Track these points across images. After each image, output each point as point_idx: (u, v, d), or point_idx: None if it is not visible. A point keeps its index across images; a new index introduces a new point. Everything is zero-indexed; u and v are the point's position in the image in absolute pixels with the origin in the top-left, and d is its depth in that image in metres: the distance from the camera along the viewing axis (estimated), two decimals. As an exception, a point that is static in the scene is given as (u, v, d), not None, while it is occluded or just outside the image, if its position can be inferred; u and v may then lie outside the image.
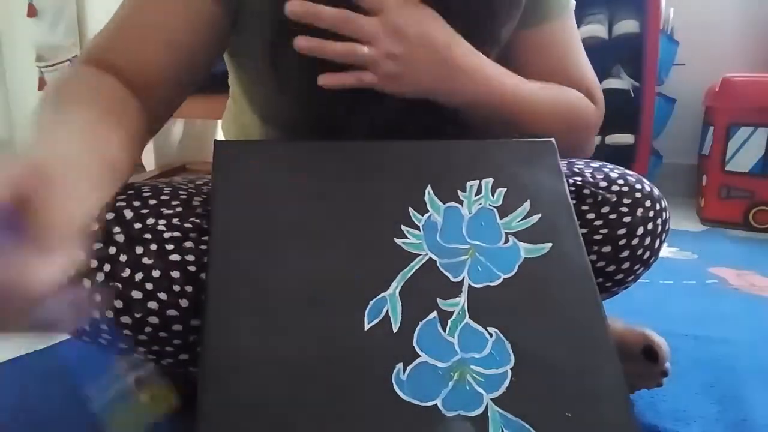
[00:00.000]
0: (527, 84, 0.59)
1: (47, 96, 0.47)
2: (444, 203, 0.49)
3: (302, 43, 0.49)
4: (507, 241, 0.48)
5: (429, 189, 0.49)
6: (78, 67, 0.51)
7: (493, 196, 0.50)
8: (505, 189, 0.50)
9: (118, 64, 0.50)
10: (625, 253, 0.58)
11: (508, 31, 0.61)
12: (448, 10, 0.53)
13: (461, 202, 0.49)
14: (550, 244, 0.47)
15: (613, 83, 1.83)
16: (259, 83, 0.62)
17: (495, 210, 0.49)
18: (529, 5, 0.61)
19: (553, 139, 0.54)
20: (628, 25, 1.84)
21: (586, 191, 0.57)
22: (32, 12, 2.21)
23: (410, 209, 0.48)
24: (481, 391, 0.40)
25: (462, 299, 0.44)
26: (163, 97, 0.54)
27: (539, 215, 0.49)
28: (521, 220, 0.49)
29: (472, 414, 0.39)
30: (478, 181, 0.51)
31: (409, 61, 0.51)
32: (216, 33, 0.54)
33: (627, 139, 1.85)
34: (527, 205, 0.50)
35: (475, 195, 0.50)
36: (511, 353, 0.42)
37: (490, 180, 0.51)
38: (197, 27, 0.53)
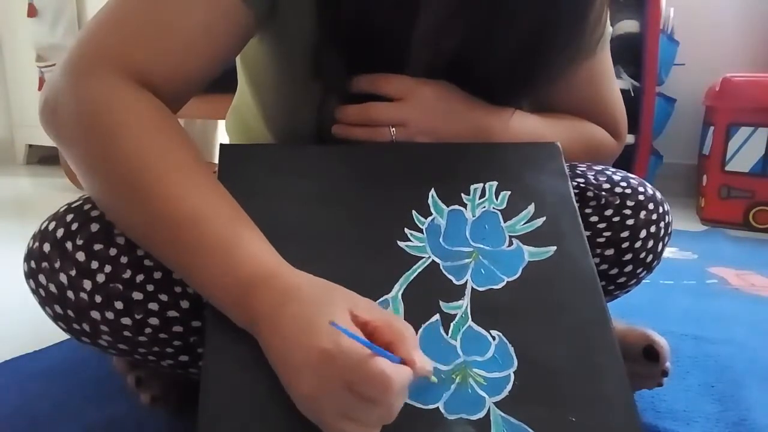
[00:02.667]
0: (547, 129, 0.60)
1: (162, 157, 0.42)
2: (447, 206, 0.49)
3: (337, 130, 0.54)
4: (511, 244, 0.48)
5: (432, 192, 0.49)
6: (125, 87, 0.43)
7: (497, 199, 0.50)
8: (510, 192, 0.50)
9: (156, 81, 0.45)
10: (628, 256, 0.58)
11: (542, 90, 0.61)
12: (468, 85, 0.56)
13: (465, 205, 0.49)
14: (555, 248, 0.47)
15: (613, 83, 1.84)
16: (278, 92, 0.60)
17: (499, 213, 0.49)
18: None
19: (558, 142, 0.54)
20: (628, 25, 1.84)
21: (590, 194, 0.57)
22: (32, 12, 2.21)
23: (413, 212, 0.48)
24: (483, 394, 0.40)
25: (465, 302, 0.44)
26: (183, 101, 0.50)
27: (544, 218, 0.49)
28: (525, 223, 0.49)
29: (474, 417, 0.39)
30: (482, 184, 0.50)
31: (440, 131, 0.54)
32: (245, 38, 0.51)
33: (627, 139, 1.84)
34: (531, 208, 0.49)
35: (479, 198, 0.50)
36: (514, 357, 0.42)
37: (494, 183, 0.51)
38: (231, 30, 0.48)
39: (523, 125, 0.58)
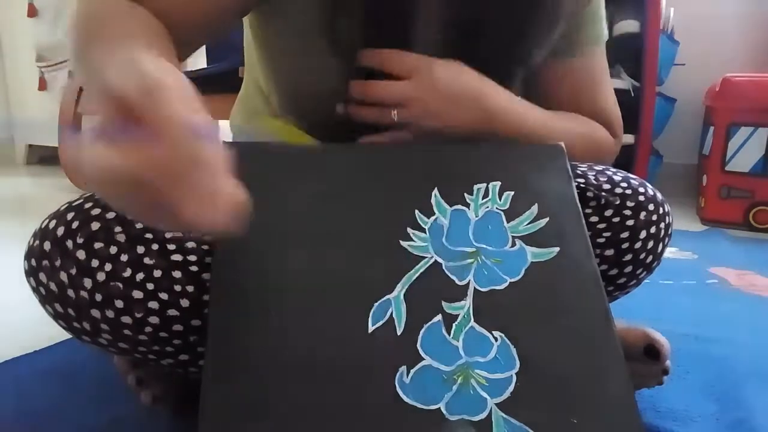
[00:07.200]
0: (553, 120, 0.60)
1: (87, 28, 0.44)
2: (450, 206, 0.49)
3: (341, 109, 0.54)
4: (514, 244, 0.47)
5: (436, 192, 0.49)
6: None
7: (500, 199, 0.50)
8: (513, 192, 0.50)
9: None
10: (628, 257, 0.58)
11: (539, 56, 0.61)
12: (477, 35, 0.55)
13: (468, 205, 0.49)
14: (558, 248, 0.47)
15: (613, 83, 1.84)
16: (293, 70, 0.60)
17: (502, 213, 0.49)
18: (563, 37, 0.61)
19: (562, 143, 0.54)
20: (628, 25, 1.84)
21: (590, 194, 0.57)
22: (32, 12, 2.21)
23: (416, 212, 0.48)
24: (485, 395, 0.40)
25: (467, 302, 0.44)
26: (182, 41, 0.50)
27: (547, 219, 0.49)
28: (528, 223, 0.49)
29: (476, 418, 0.39)
30: (485, 184, 0.50)
31: (446, 115, 0.53)
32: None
33: (627, 139, 1.85)
34: (535, 208, 0.49)
35: (482, 198, 0.50)
36: (517, 358, 0.42)
37: (498, 183, 0.50)
38: None
39: (529, 113, 0.58)
